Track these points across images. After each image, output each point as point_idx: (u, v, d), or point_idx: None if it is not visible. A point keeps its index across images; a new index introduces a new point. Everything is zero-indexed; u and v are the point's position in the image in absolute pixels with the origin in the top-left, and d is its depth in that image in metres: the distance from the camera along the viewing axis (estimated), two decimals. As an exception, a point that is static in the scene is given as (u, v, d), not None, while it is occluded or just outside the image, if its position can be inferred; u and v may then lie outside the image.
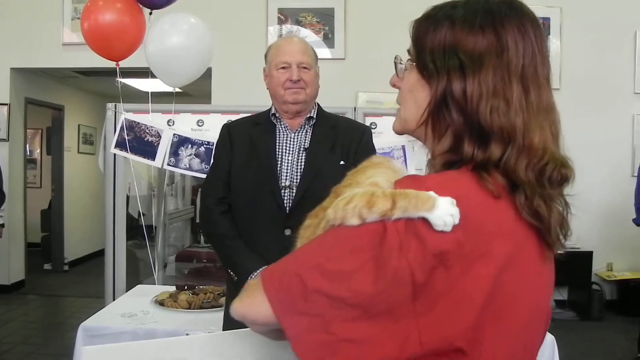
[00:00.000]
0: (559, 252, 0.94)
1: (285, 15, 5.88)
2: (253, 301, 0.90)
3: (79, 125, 8.69)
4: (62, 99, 8.11)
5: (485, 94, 0.88)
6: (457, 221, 0.81)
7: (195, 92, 6.11)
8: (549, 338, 2.40)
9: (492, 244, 0.84)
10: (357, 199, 0.86)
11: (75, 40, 5.74)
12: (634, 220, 4.53)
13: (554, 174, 0.89)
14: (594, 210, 5.75)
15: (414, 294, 0.81)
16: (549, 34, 5.83)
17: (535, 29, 0.93)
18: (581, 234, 5.66)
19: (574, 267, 5.47)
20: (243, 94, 5.43)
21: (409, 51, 1.00)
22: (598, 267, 5.81)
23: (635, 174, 4.99)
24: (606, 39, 5.85)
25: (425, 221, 0.81)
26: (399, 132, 1.04)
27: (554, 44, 5.84)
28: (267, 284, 0.88)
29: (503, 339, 0.87)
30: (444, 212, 0.81)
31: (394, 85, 1.03)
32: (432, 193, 0.83)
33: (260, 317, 0.90)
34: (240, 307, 0.92)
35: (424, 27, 0.96)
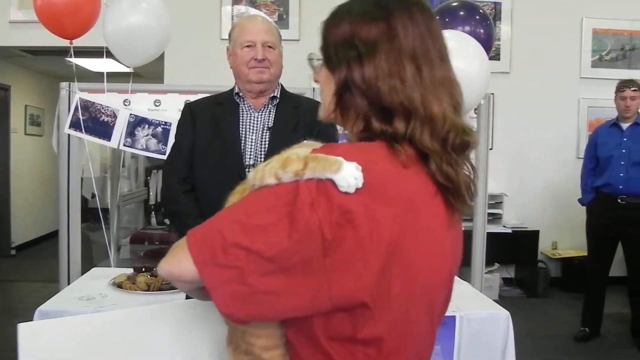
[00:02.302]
0: (465, 213, 1.04)
1: (240, -4, 5.82)
2: (178, 258, 0.95)
3: (26, 106, 8.40)
4: (8, 79, 7.83)
5: (382, 76, 0.98)
6: (360, 184, 0.90)
7: (147, 74, 5.99)
8: (504, 314, 2.35)
9: (396, 208, 0.93)
10: (274, 162, 0.96)
11: (23, 18, 5.56)
12: (580, 201, 4.69)
13: (456, 140, 0.98)
14: (541, 191, 5.95)
15: (324, 249, 0.89)
16: (500, 19, 5.95)
17: (424, 15, 1.03)
18: (528, 213, 5.86)
19: (521, 246, 5.67)
20: (196, 74, 5.37)
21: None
22: (544, 245, 6.02)
23: (581, 156, 5.17)
24: (555, 25, 6.01)
25: (334, 183, 0.90)
26: (324, 120, 1.13)
27: (504, 28, 5.97)
28: (190, 241, 0.94)
29: (403, 297, 0.95)
30: (348, 174, 0.90)
31: (316, 81, 1.12)
32: (339, 158, 0.92)
33: (184, 273, 0.94)
34: (166, 265, 0.97)
35: (328, 26, 1.06)
